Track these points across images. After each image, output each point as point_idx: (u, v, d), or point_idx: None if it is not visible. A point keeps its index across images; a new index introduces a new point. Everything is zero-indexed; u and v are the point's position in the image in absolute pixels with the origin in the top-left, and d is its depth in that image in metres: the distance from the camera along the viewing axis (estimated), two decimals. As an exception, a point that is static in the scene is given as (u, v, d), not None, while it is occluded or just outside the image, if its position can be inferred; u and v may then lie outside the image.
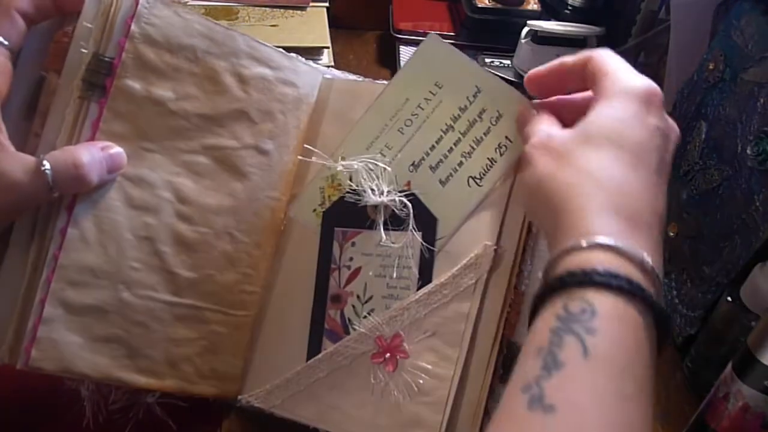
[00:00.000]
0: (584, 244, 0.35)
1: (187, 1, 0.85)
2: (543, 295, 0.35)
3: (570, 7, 0.90)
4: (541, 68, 0.46)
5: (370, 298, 0.48)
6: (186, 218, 0.47)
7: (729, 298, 0.54)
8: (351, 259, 0.49)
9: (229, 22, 0.86)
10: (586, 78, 0.43)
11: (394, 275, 0.48)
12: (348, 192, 0.49)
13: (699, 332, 0.59)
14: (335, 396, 0.47)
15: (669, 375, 0.61)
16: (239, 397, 0.49)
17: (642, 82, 0.40)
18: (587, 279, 0.33)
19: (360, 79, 0.54)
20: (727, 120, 0.60)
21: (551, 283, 0.35)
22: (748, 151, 0.56)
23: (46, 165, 0.40)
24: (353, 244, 0.49)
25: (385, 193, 0.48)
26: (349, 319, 0.48)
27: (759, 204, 0.54)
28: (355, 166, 0.49)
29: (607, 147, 0.38)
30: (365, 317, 0.48)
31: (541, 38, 0.85)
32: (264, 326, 0.50)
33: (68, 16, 0.44)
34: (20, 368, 0.42)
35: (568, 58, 0.44)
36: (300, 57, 0.52)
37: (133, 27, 0.44)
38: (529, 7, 0.91)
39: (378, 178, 0.49)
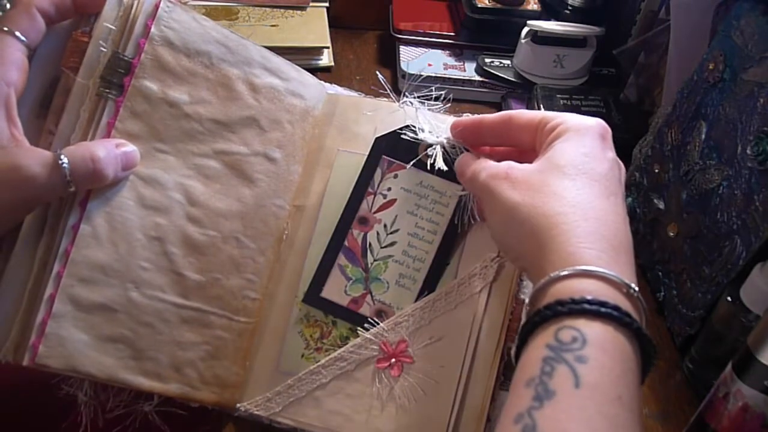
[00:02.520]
0: (572, 272, 0.35)
1: (188, 1, 0.85)
2: (533, 324, 0.35)
3: (570, 7, 0.90)
4: (464, 119, 0.47)
5: (396, 230, 0.49)
6: (195, 220, 0.47)
7: (729, 298, 0.54)
8: (389, 189, 0.50)
9: (229, 22, 0.86)
10: (512, 133, 0.44)
11: (426, 218, 0.49)
12: (404, 127, 0.49)
13: (699, 332, 0.59)
14: (338, 401, 0.47)
15: (669, 375, 0.61)
16: (238, 405, 0.49)
17: (592, 119, 0.42)
18: (578, 307, 0.34)
19: (363, 95, 0.55)
20: (727, 120, 0.60)
21: (541, 312, 0.35)
22: (748, 151, 0.56)
23: (64, 159, 0.41)
24: (396, 176, 0.50)
25: (441, 135, 0.49)
26: (370, 243, 0.49)
27: (759, 204, 0.54)
28: (417, 105, 0.50)
29: (581, 177, 0.39)
30: (385, 247, 0.49)
31: (541, 38, 0.85)
32: (265, 336, 0.50)
33: (85, 17, 0.45)
34: (26, 365, 0.41)
35: (488, 117, 0.46)
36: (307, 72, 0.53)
37: (153, 29, 0.45)
38: (529, 7, 0.91)
39: (435, 123, 0.49)
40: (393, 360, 0.47)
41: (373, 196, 0.50)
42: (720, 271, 0.57)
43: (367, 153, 0.51)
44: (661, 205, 0.67)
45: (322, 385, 0.48)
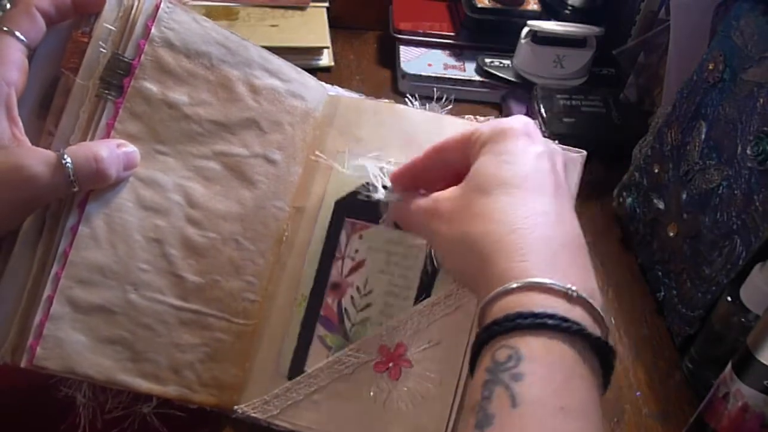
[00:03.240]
0: (503, 290, 0.34)
1: (188, 1, 0.85)
2: (474, 353, 0.35)
3: (570, 7, 0.90)
4: (398, 169, 0.46)
5: (370, 292, 0.49)
6: (195, 222, 0.47)
7: (729, 298, 0.54)
8: (357, 251, 0.50)
9: (229, 22, 0.86)
10: (447, 162, 0.43)
11: (397, 273, 0.48)
12: (361, 186, 0.50)
13: (699, 332, 0.59)
14: (335, 405, 0.47)
15: (668, 375, 0.61)
16: (236, 407, 0.49)
17: (510, 120, 0.40)
18: (511, 324, 0.33)
19: (363, 96, 0.55)
20: (727, 120, 0.60)
21: (480, 335, 0.34)
22: (748, 151, 0.56)
23: (67, 159, 0.41)
24: (361, 237, 0.50)
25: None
26: (346, 309, 0.49)
27: (758, 204, 0.54)
28: (365, 164, 0.50)
29: (499, 189, 0.37)
30: (362, 310, 0.48)
31: (540, 38, 0.85)
32: (264, 338, 0.50)
33: (85, 17, 0.44)
34: (24, 366, 0.41)
35: (418, 157, 0.45)
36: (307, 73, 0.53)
37: (153, 30, 0.45)
38: (529, 7, 0.91)
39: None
40: (391, 364, 0.47)
41: (341, 260, 0.50)
42: (720, 271, 0.57)
43: (330, 216, 0.51)
44: (661, 205, 0.67)
45: (321, 388, 0.48)
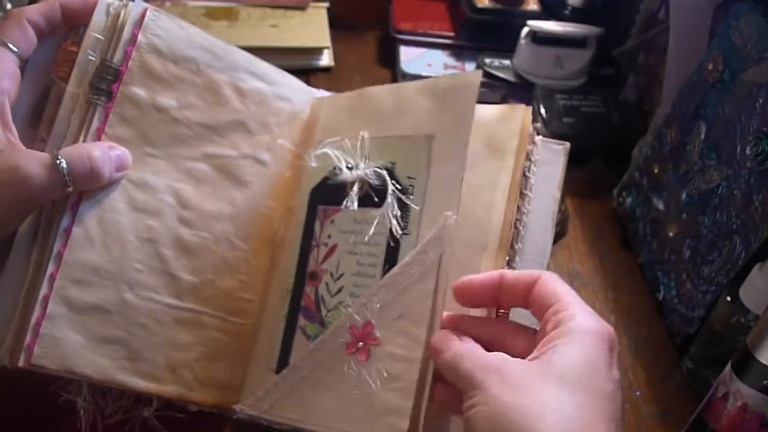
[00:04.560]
0: None
1: (188, 2, 0.85)
2: None
3: (570, 8, 0.90)
4: (475, 279, 0.42)
5: (342, 275, 0.48)
6: (187, 223, 0.48)
7: (728, 298, 0.54)
8: (329, 236, 0.49)
9: (229, 23, 0.86)
10: (533, 302, 0.40)
11: (364, 252, 0.48)
12: (330, 171, 0.50)
13: (698, 332, 0.59)
14: (317, 394, 0.46)
15: (668, 374, 0.61)
16: (235, 407, 0.48)
17: (604, 325, 0.38)
18: None
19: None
20: (726, 120, 0.60)
21: None
22: (747, 152, 0.56)
23: (61, 159, 0.41)
24: (332, 222, 0.50)
25: (360, 168, 0.49)
26: (322, 297, 0.48)
27: (758, 204, 0.54)
28: (326, 150, 0.50)
29: (575, 390, 0.35)
30: (334, 295, 0.48)
31: (540, 38, 0.85)
32: (260, 337, 0.50)
33: (75, 30, 0.46)
34: (22, 366, 0.42)
35: (510, 274, 0.42)
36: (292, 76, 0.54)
37: (139, 37, 0.46)
38: (529, 7, 0.91)
39: (354, 153, 0.50)
40: (360, 344, 0.45)
41: (317, 248, 0.50)
42: (719, 271, 0.57)
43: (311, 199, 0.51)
44: (661, 206, 0.67)
45: (303, 378, 0.47)
